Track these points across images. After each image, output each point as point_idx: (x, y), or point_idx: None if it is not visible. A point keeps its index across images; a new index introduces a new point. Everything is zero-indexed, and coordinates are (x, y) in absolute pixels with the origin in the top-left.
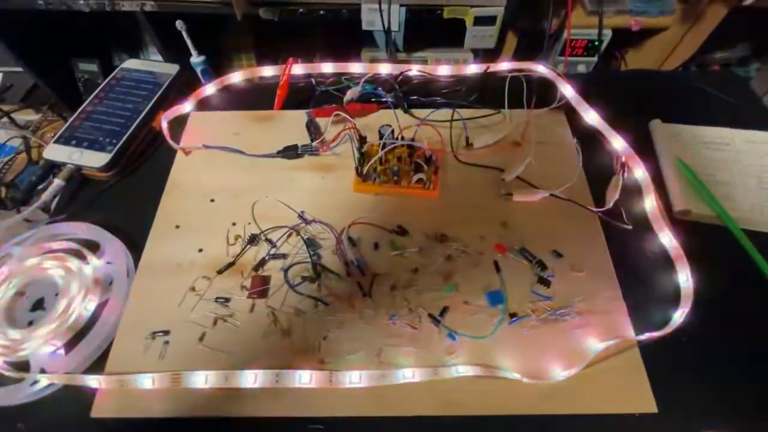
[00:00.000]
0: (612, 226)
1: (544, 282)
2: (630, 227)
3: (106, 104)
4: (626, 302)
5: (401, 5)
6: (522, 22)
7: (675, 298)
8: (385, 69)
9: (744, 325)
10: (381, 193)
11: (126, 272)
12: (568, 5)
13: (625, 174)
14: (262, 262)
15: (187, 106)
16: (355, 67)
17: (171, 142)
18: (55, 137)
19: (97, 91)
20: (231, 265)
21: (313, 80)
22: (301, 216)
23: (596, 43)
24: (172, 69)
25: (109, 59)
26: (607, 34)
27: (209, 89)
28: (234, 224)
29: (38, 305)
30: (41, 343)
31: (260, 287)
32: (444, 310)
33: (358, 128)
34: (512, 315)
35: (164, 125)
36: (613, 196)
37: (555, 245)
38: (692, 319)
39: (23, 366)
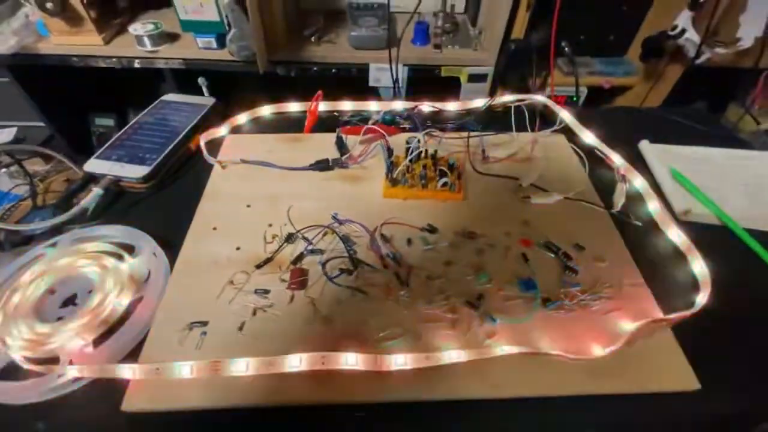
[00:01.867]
0: (623, 227)
1: (572, 270)
2: (641, 224)
3: (145, 128)
4: None
5: (404, 65)
6: (510, 79)
7: (692, 286)
8: (398, 106)
9: (759, 307)
10: (410, 198)
11: (162, 270)
12: (551, 66)
13: (627, 184)
14: (300, 257)
15: (222, 130)
16: (372, 105)
17: (209, 157)
18: (96, 154)
19: (137, 118)
20: (269, 260)
21: (336, 113)
22: (334, 217)
23: (574, 98)
24: (209, 101)
25: (124, 115)
26: (583, 90)
27: (242, 118)
28: (270, 225)
29: (69, 302)
30: (70, 337)
31: (299, 278)
32: (480, 297)
33: (387, 139)
34: (546, 300)
35: (202, 143)
36: (620, 201)
37: (575, 240)
38: (712, 302)
39: (49, 361)
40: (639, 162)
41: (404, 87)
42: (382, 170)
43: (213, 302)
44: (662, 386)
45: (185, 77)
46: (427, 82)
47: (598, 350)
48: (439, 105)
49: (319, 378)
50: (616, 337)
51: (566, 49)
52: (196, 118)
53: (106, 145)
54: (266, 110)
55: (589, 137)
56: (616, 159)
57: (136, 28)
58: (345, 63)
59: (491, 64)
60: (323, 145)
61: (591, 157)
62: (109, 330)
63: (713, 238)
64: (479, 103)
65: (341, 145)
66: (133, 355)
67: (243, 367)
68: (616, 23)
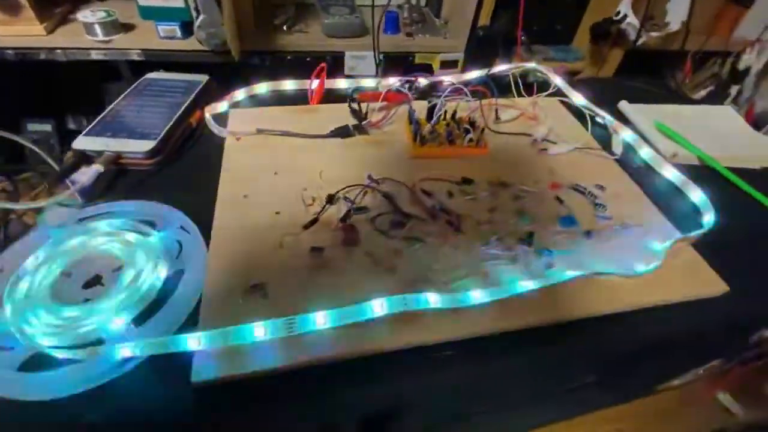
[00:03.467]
0: (625, 171)
1: (601, 206)
2: (642, 165)
3: (137, 105)
4: None
5: (380, 52)
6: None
7: (692, 214)
8: (393, 80)
9: (755, 227)
10: (438, 156)
11: (196, 240)
12: (518, 51)
13: (620, 135)
14: (347, 215)
15: (224, 105)
16: (367, 81)
17: (219, 129)
18: (85, 131)
19: (123, 96)
20: (315, 221)
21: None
22: (370, 177)
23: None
24: (203, 77)
25: (62, 120)
26: None
27: (240, 95)
28: (305, 189)
29: (93, 283)
30: (108, 317)
31: (352, 235)
32: (530, 235)
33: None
34: (587, 232)
35: (208, 116)
36: (618, 148)
37: (595, 182)
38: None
39: (90, 344)
40: (621, 119)
41: (380, 74)
42: (403, 134)
43: (267, 265)
44: (698, 292)
45: (141, 72)
46: (399, 71)
47: (641, 267)
48: (434, 78)
49: (400, 322)
50: (652, 257)
51: (523, 37)
52: (194, 93)
53: (95, 121)
54: (263, 87)
55: (579, 99)
56: (606, 116)
57: (86, 15)
58: (319, 51)
59: (461, 50)
60: (336, 114)
61: (581, 116)
62: (150, 308)
63: (697, 175)
64: (475, 74)
65: (358, 112)
66: (185, 329)
67: (321, 320)
68: (561, 14)
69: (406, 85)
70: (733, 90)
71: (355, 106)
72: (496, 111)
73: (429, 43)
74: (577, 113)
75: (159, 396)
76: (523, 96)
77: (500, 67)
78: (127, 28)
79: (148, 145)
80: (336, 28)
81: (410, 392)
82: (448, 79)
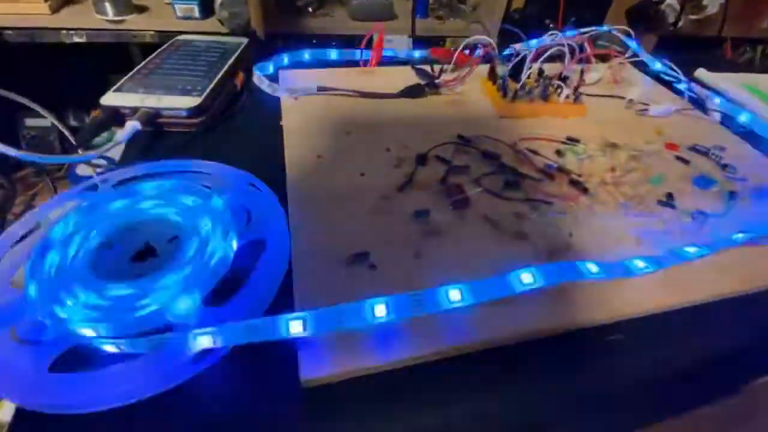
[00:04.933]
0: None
1: (731, 167)
2: (746, 130)
3: (173, 62)
4: None
5: (408, 36)
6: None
7: None
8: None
9: None
10: (530, 115)
11: (272, 204)
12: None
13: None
14: (446, 176)
15: (270, 67)
16: (417, 52)
17: (274, 86)
18: (115, 87)
19: (155, 54)
20: (409, 182)
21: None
22: (461, 136)
23: None
24: (242, 40)
25: (63, 114)
26: None
27: (285, 59)
28: (388, 150)
29: (144, 255)
30: (174, 295)
31: (461, 196)
32: (670, 196)
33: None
34: (731, 193)
35: (258, 74)
36: (717, 113)
37: (712, 143)
38: None
39: (155, 332)
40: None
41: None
42: (480, 94)
43: (366, 232)
44: None
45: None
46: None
47: None
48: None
49: (551, 298)
50: None
51: (551, 24)
52: (236, 53)
53: (125, 77)
54: (307, 54)
55: (658, 64)
56: (691, 82)
57: None
58: (345, 35)
59: (495, 36)
60: (400, 76)
61: (664, 84)
62: (225, 285)
63: None
64: (552, 36)
65: (428, 72)
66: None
67: (457, 295)
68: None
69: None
70: None
71: (423, 66)
72: (582, 72)
73: (460, 27)
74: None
75: (253, 403)
76: (599, 62)
77: (569, 33)
78: (141, 8)
79: (192, 101)
80: (363, 10)
81: (585, 388)
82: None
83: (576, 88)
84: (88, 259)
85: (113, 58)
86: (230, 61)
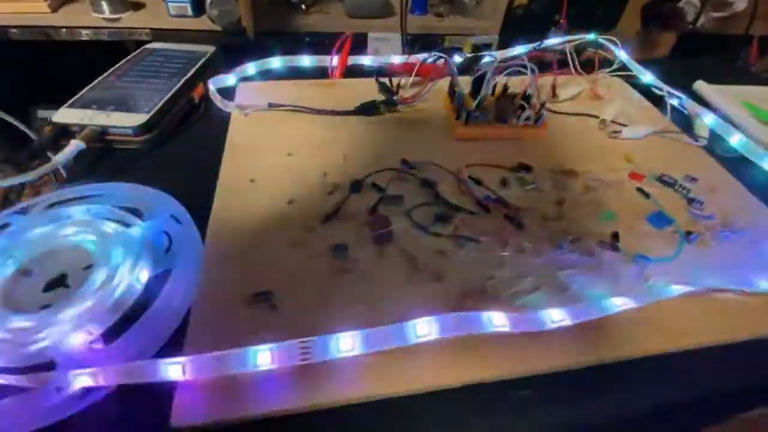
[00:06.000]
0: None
1: (697, 202)
2: (734, 155)
3: (131, 75)
4: None
5: (407, 34)
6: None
7: None
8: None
9: None
10: (487, 137)
11: (190, 234)
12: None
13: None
14: (376, 206)
15: (231, 79)
16: (395, 58)
17: (226, 103)
18: (68, 103)
19: (117, 66)
20: (336, 212)
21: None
22: (405, 161)
23: None
24: (208, 48)
25: None
26: None
27: (251, 68)
28: (325, 174)
29: (56, 284)
30: (69, 330)
31: (384, 229)
32: (615, 236)
33: (456, 75)
34: (688, 233)
35: (212, 88)
36: (705, 132)
37: (684, 172)
38: None
39: (40, 368)
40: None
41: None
42: (441, 112)
43: (276, 268)
44: None
45: None
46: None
47: (765, 283)
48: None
49: (453, 350)
50: None
51: (561, 21)
52: (197, 64)
53: (80, 93)
54: (277, 62)
55: (648, 77)
56: (683, 96)
57: None
58: (340, 32)
59: (496, 33)
60: (361, 90)
61: (652, 98)
62: (125, 318)
63: None
64: (521, 49)
65: (387, 87)
66: (170, 349)
67: (347, 344)
68: None
69: (440, 61)
70: None
71: (384, 80)
72: (554, 87)
73: (460, 25)
74: (647, 95)
75: None
76: (581, 74)
77: (553, 40)
78: (137, 6)
79: (138, 119)
80: (359, 7)
81: None
82: (488, 55)
83: (540, 108)
84: (1, 287)
85: (115, 52)
86: (189, 74)
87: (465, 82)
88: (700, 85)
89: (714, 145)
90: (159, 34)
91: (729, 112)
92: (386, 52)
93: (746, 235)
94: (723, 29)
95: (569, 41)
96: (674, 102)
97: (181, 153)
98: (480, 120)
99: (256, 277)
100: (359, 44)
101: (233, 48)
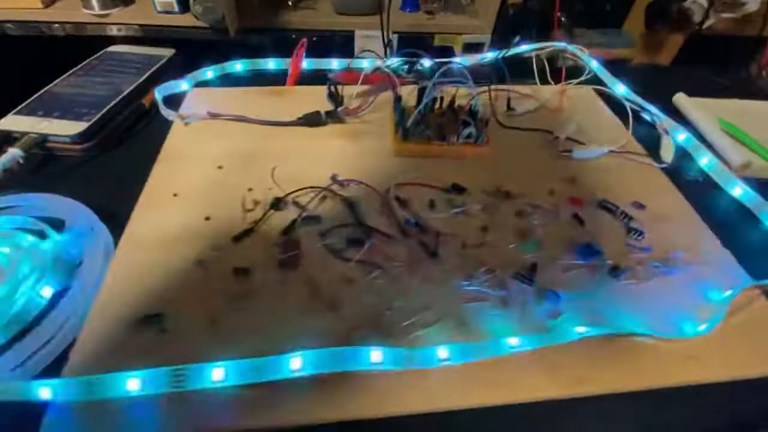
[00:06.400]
0: (678, 185)
1: (637, 232)
2: (701, 179)
3: (84, 80)
4: None
5: (393, 32)
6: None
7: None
8: (395, 61)
9: None
10: (425, 154)
11: (101, 248)
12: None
13: (672, 138)
14: (291, 226)
15: (184, 84)
16: (365, 63)
17: (167, 111)
18: (16, 109)
19: (72, 71)
20: (250, 231)
21: (325, 71)
22: (334, 178)
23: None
24: (167, 52)
25: None
26: None
27: (208, 73)
28: (250, 190)
29: None
30: None
31: (292, 253)
32: (533, 268)
33: (397, 86)
34: (614, 268)
35: (158, 96)
36: (669, 154)
37: (632, 198)
38: None
39: None
40: (677, 116)
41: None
42: (387, 125)
43: (175, 288)
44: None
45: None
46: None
47: (691, 327)
48: (443, 60)
49: (329, 385)
50: (708, 311)
51: (563, 19)
52: (150, 70)
53: (31, 99)
54: (238, 65)
55: (621, 89)
56: (655, 111)
57: None
58: (327, 30)
59: (488, 32)
60: (312, 98)
61: (623, 112)
62: (29, 329)
63: None
64: (491, 56)
65: (335, 96)
66: (57, 368)
67: (219, 375)
68: None
69: (405, 68)
70: None
71: (334, 89)
72: (508, 100)
73: (451, 23)
74: (619, 107)
75: None
76: (551, 83)
77: (522, 48)
78: (126, 1)
79: (77, 127)
80: (347, 3)
81: None
82: (457, 60)
83: (486, 123)
84: None
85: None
86: (141, 79)
87: (412, 94)
88: (679, 98)
89: (681, 167)
90: (149, 30)
91: (704, 128)
92: (375, 51)
93: (683, 272)
94: (736, 30)
95: (541, 48)
96: (649, 115)
97: (121, 162)
98: (418, 136)
99: (153, 297)
100: (347, 43)
101: (219, 44)
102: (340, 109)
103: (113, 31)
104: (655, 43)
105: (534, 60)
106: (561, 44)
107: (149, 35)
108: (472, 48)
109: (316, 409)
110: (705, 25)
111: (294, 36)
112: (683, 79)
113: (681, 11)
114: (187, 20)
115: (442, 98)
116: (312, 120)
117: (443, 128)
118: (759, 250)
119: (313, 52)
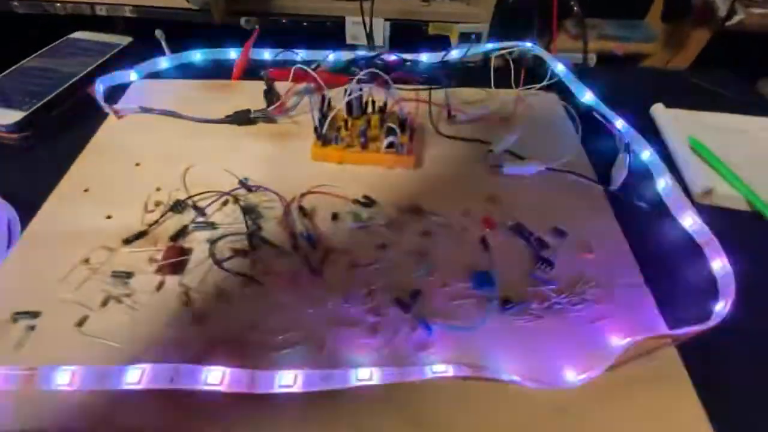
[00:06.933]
0: (623, 210)
1: (546, 262)
2: (646, 207)
3: (36, 68)
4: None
5: (385, 19)
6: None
7: (708, 289)
8: (362, 54)
9: None
10: (345, 161)
11: (6, 242)
12: (554, 26)
13: (631, 155)
14: (183, 231)
15: (132, 75)
16: (330, 55)
17: (102, 104)
18: None
19: (31, 57)
20: (143, 234)
21: (280, 55)
22: (242, 182)
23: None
24: (123, 40)
25: None
26: (592, 57)
27: (163, 63)
28: (158, 189)
29: None
30: None
31: (175, 259)
32: (416, 294)
33: (322, 86)
34: (505, 301)
35: (99, 87)
36: (620, 175)
37: (555, 223)
38: (737, 312)
39: None
40: (650, 131)
41: (387, 48)
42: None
43: (54, 286)
44: (663, 428)
45: (140, 31)
46: (412, 42)
47: (571, 377)
48: (409, 56)
49: (172, 398)
50: (598, 358)
51: (575, 8)
52: (101, 59)
53: None
54: (196, 55)
55: (586, 96)
56: (620, 124)
57: None
58: (319, 15)
59: (486, 21)
60: (253, 94)
61: (590, 122)
62: None
63: (741, 227)
64: (458, 54)
65: (270, 94)
66: None
67: (66, 377)
68: None
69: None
70: None
71: (268, 86)
72: (448, 108)
73: (447, 10)
74: (588, 117)
75: None
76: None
77: (484, 47)
78: None
79: (13, 116)
80: None
81: None
82: (402, 57)
83: (412, 135)
84: None
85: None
86: (90, 68)
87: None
88: (656, 109)
89: (635, 190)
90: (143, 11)
91: (673, 145)
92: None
93: (586, 312)
94: (766, 26)
95: (500, 48)
96: (616, 129)
97: (56, 154)
98: (337, 142)
99: (31, 295)
100: (338, 28)
101: (209, 27)
102: (269, 108)
103: (103, 11)
104: (676, 39)
105: (492, 61)
106: (526, 44)
107: (144, 16)
108: (468, 38)
109: (152, 418)
110: (732, 21)
111: (284, 21)
112: (683, 84)
113: (705, 5)
114: (180, 2)
115: (374, 101)
116: (241, 118)
117: (366, 134)
118: (695, 291)
119: (304, 39)
